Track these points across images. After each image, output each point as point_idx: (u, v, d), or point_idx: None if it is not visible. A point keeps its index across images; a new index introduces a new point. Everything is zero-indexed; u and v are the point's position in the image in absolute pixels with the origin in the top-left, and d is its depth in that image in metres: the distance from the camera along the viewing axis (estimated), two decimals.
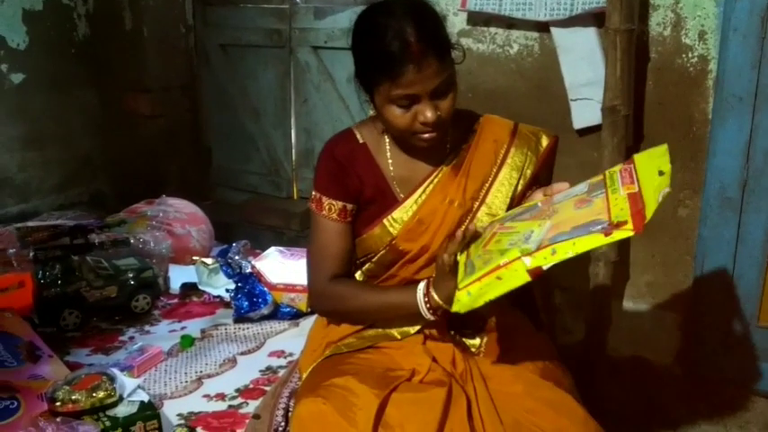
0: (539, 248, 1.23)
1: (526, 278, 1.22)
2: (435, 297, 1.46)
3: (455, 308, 1.29)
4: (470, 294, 1.26)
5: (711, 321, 2.10)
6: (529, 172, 1.59)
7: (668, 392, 2.28)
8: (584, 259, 2.12)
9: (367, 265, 1.65)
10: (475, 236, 1.40)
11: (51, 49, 3.19)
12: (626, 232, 1.19)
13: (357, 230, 1.62)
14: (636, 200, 1.25)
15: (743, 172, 1.95)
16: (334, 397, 1.40)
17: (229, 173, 3.52)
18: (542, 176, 1.62)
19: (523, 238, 1.29)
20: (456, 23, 2.30)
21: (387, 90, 1.43)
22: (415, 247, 1.57)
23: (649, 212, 1.20)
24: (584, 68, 2.09)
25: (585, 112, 2.11)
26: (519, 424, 1.39)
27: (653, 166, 1.31)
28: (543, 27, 2.16)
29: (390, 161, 1.60)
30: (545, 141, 1.62)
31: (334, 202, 1.59)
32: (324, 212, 1.60)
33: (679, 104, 2.06)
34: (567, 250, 1.21)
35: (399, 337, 1.59)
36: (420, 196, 1.57)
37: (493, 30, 2.28)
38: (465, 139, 1.61)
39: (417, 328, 1.59)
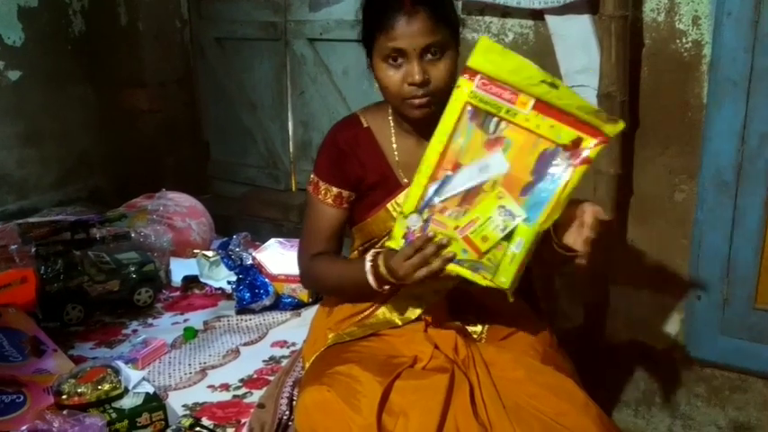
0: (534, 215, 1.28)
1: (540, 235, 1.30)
2: (382, 267, 1.44)
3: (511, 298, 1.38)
4: (514, 282, 1.34)
5: (708, 304, 2.11)
6: None
7: (667, 376, 2.30)
8: None
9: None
10: (428, 239, 1.36)
11: (47, 45, 3.19)
12: (595, 147, 1.22)
13: (360, 215, 1.64)
14: (554, 112, 1.22)
15: (738, 155, 1.96)
16: (338, 385, 1.42)
17: (227, 166, 3.52)
18: None
19: (506, 217, 1.29)
20: None
21: (379, 45, 1.44)
22: None
23: (596, 120, 1.21)
24: (579, 55, 2.10)
25: None
26: (521, 409, 1.41)
27: (514, 71, 1.24)
28: (538, 15, 2.16)
29: (395, 146, 1.61)
30: None
31: (330, 188, 1.62)
32: (320, 196, 1.63)
33: (674, 90, 2.07)
34: (562, 197, 1.27)
35: (400, 323, 1.61)
36: None
37: (488, 19, 2.29)
38: None
39: (418, 313, 1.60)
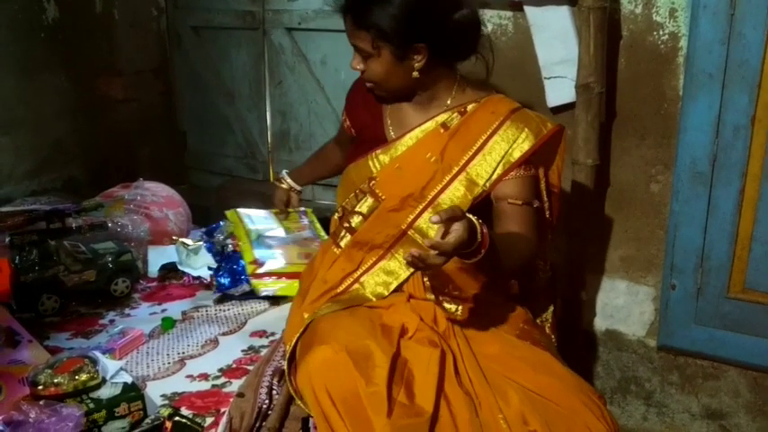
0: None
1: None
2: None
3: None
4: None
5: (683, 294, 2.15)
6: (526, 146, 1.61)
7: (642, 364, 2.33)
8: (559, 236, 2.15)
9: (355, 218, 1.73)
10: None
11: (19, 32, 3.12)
12: None
13: (349, 160, 1.80)
14: None
15: (713, 147, 1.99)
16: (353, 349, 1.44)
17: (204, 156, 3.50)
18: (543, 163, 1.70)
19: None
20: None
21: None
22: (387, 194, 1.67)
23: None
24: (557, 47, 2.11)
25: (559, 90, 2.14)
26: (501, 381, 1.45)
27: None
28: (517, 6, 2.17)
29: (392, 105, 1.76)
30: (550, 125, 1.65)
31: (344, 114, 1.90)
32: (342, 117, 1.92)
33: (651, 81, 2.09)
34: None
35: (374, 299, 1.64)
36: (407, 142, 1.69)
37: None
38: (465, 105, 1.69)
39: (392, 288, 1.66)
